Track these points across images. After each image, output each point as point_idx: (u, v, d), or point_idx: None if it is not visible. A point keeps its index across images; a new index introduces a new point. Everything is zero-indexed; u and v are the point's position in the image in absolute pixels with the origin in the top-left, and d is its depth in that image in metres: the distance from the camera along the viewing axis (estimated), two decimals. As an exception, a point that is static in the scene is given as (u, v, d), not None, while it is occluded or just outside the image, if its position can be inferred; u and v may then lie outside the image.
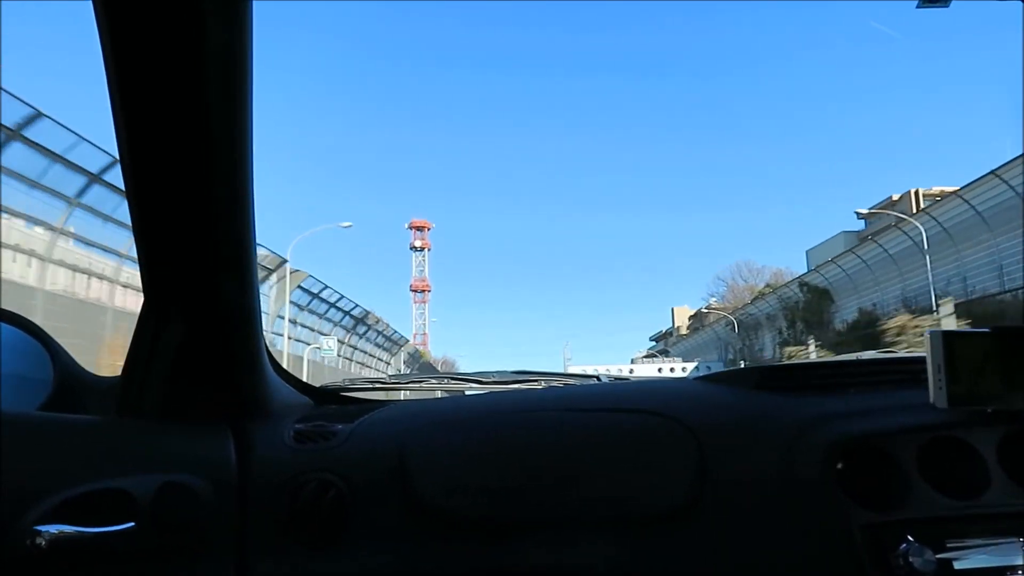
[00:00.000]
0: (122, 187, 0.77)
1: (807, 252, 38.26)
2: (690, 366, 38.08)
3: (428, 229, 74.58)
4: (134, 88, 0.68)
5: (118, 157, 0.74)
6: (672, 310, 61.33)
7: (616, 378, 1.33)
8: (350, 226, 24.20)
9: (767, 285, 40.46)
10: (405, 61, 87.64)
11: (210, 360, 0.88)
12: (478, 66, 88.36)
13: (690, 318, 56.41)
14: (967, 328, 0.93)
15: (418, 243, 73.12)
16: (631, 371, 32.49)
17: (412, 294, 74.04)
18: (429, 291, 73.66)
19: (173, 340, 0.85)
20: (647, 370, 37.40)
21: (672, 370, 36.03)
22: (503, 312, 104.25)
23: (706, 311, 49.39)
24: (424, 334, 70.52)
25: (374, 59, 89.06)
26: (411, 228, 73.90)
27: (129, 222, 0.79)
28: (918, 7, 10.19)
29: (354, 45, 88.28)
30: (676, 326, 58.42)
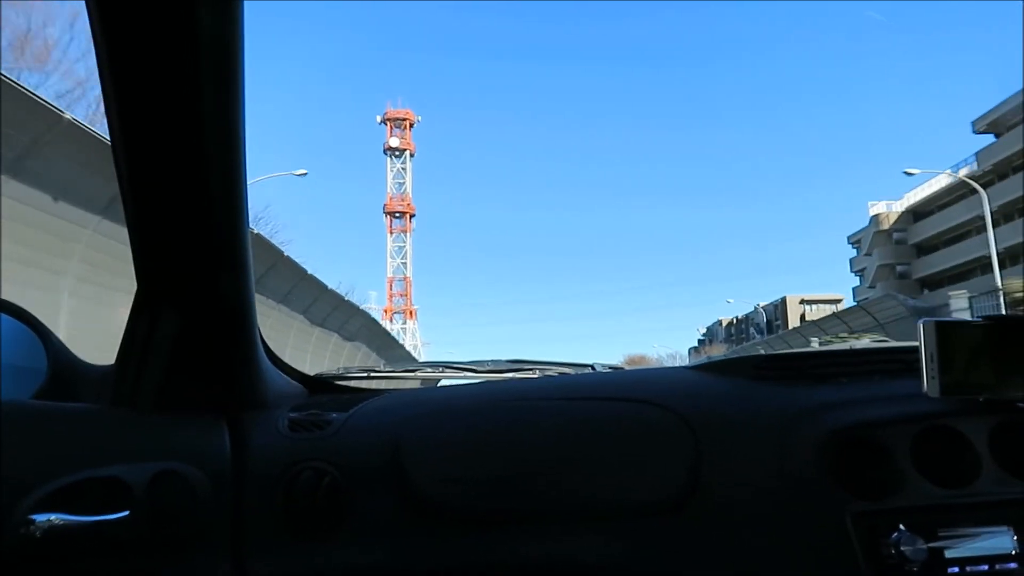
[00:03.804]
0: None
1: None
2: None
3: (411, 124, 48.05)
4: (127, 79, 0.68)
5: (111, 148, 0.74)
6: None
7: (611, 367, 1.34)
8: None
9: None
10: (394, 48, 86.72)
11: (204, 349, 0.88)
12: (464, 53, 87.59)
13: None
14: (959, 318, 0.93)
15: (396, 142, 47.43)
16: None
17: (387, 219, 47.96)
18: (413, 215, 48.59)
19: (167, 329, 0.85)
20: None
21: None
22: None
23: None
24: (405, 279, 47.46)
25: (367, 48, 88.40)
26: (386, 122, 47.56)
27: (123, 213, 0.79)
28: None
29: (344, 30, 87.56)
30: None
